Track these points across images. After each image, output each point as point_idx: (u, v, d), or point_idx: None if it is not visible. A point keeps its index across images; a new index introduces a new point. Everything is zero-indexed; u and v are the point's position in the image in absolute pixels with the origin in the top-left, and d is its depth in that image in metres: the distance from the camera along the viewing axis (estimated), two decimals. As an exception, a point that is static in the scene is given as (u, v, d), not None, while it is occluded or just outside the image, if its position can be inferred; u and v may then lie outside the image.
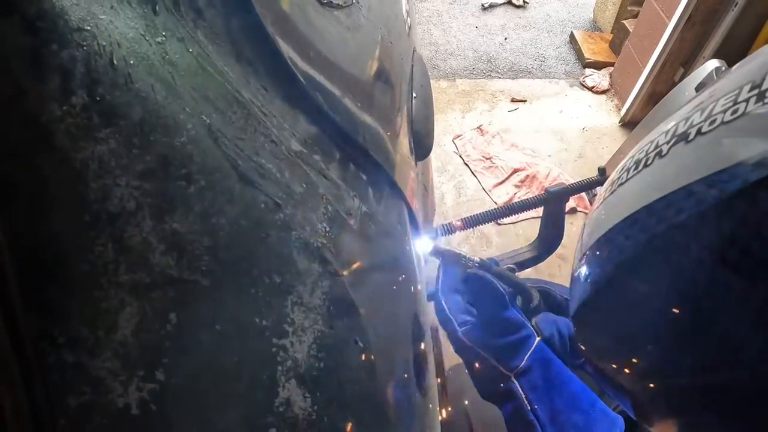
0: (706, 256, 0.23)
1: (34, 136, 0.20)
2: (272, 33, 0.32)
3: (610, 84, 2.36)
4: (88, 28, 0.23)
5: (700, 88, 1.09)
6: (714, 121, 0.25)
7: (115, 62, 0.23)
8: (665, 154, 0.27)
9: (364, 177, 0.38)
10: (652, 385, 0.31)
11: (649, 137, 0.30)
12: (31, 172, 0.20)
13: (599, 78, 2.37)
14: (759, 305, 0.21)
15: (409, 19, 0.79)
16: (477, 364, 0.54)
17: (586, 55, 2.45)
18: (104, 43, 0.23)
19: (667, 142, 0.27)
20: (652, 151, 0.28)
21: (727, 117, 0.24)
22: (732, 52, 1.75)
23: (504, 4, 2.83)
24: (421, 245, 0.55)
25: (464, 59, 2.43)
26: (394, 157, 0.47)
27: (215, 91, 0.27)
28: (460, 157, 1.93)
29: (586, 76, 2.38)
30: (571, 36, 2.60)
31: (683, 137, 0.26)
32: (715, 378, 0.25)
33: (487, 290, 0.55)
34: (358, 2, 0.46)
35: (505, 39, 2.58)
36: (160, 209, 0.23)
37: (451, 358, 0.69)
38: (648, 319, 0.27)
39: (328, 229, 0.31)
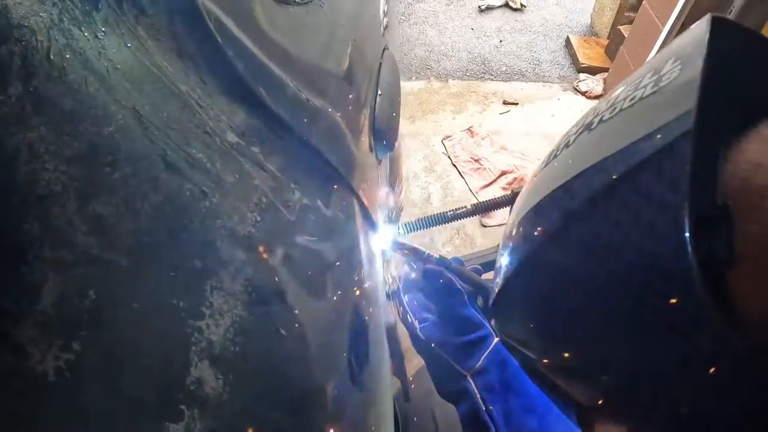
0: (591, 244, 0.24)
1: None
2: (214, 29, 0.33)
3: (605, 89, 2.38)
4: (27, 24, 0.25)
5: None
6: (614, 108, 0.26)
7: (51, 56, 0.25)
8: (571, 144, 0.28)
9: (308, 170, 0.40)
10: (566, 379, 0.32)
11: (567, 130, 0.31)
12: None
13: (593, 83, 2.39)
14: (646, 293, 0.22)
15: (385, 20, 0.80)
16: (435, 363, 0.55)
17: (581, 59, 2.47)
18: (42, 39, 0.25)
19: (575, 133, 0.29)
20: (563, 143, 0.29)
21: (626, 104, 0.25)
22: None
23: (501, 6, 2.85)
24: (378, 240, 0.57)
25: (458, 60, 2.45)
26: (347, 152, 0.48)
27: (150, 84, 0.29)
28: (449, 158, 1.95)
29: (579, 81, 2.40)
30: (567, 40, 2.62)
31: (588, 126, 0.27)
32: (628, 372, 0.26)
33: (444, 287, 0.55)
34: (315, 0, 0.48)
35: (501, 42, 2.59)
36: (85, 193, 0.25)
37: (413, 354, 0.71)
38: (546, 310, 0.29)
39: (259, 219, 0.32)
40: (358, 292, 0.44)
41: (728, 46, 0.24)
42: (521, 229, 0.30)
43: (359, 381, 0.42)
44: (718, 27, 0.23)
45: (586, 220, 0.25)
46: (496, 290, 0.33)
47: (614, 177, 0.23)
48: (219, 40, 0.33)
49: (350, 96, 0.53)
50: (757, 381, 0.20)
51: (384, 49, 0.69)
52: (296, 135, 0.39)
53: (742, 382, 0.20)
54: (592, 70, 2.45)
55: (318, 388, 0.34)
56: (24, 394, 0.23)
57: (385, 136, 0.60)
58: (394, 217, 0.71)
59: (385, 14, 0.74)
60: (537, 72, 2.44)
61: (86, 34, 0.28)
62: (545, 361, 0.33)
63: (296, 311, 0.34)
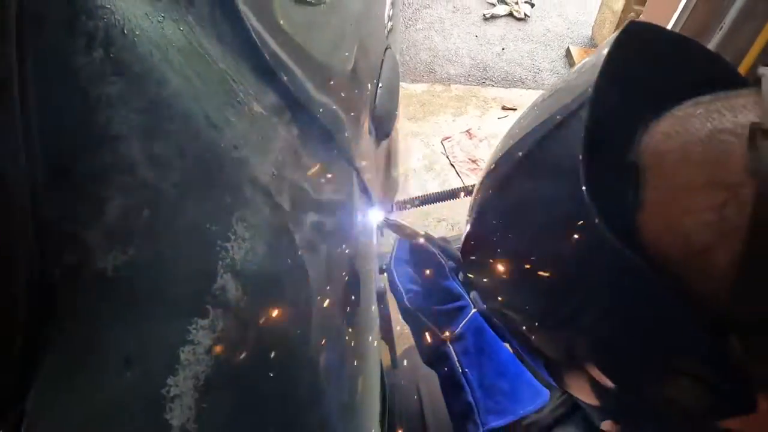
0: (524, 194, 0.32)
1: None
2: (246, 20, 0.41)
3: (600, 100, 2.46)
4: (108, 6, 0.33)
5: None
6: (550, 92, 0.34)
7: (125, 31, 0.33)
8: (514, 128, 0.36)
9: (317, 142, 0.48)
10: (531, 332, 0.39)
11: None
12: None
13: (590, 93, 2.47)
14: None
15: (390, 23, 0.89)
16: (419, 329, 0.60)
17: (579, 70, 2.55)
18: (119, 18, 0.33)
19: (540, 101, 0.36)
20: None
21: (558, 86, 0.33)
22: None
23: (505, 15, 2.94)
24: (374, 215, 0.64)
25: (461, 66, 2.53)
26: (350, 132, 0.56)
27: (197, 60, 0.37)
28: (447, 158, 2.03)
29: (577, 91, 2.48)
30: (567, 51, 2.71)
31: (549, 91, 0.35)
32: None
33: (429, 260, 0.61)
34: (328, 3, 0.56)
35: (503, 49, 2.68)
36: (147, 136, 0.33)
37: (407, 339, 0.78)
38: (495, 253, 0.36)
39: (275, 172, 0.40)
40: (355, 252, 0.52)
41: (641, 44, 0.31)
42: (479, 191, 0.37)
43: (351, 322, 0.49)
44: (634, 28, 0.31)
45: (520, 176, 0.32)
46: (462, 238, 0.40)
47: (540, 138, 0.30)
48: (250, 31, 0.41)
49: (353, 85, 0.61)
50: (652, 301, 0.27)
51: (386, 49, 0.77)
52: (307, 111, 0.47)
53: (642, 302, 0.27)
54: (590, 81, 2.53)
55: (316, 306, 0.42)
56: (86, 286, 0.31)
57: (383, 122, 0.68)
58: (389, 197, 0.79)
59: (390, 18, 0.81)
60: (537, 80, 2.52)
61: (150, 17, 0.36)
62: (500, 305, 0.41)
63: (300, 251, 0.41)
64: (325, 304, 0.44)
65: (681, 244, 0.26)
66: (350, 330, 0.49)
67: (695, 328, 0.25)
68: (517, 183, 0.33)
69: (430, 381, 0.75)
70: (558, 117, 0.29)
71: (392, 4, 0.97)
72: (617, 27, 2.61)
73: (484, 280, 0.42)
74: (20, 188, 0.28)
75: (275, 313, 0.38)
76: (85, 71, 0.31)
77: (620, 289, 0.27)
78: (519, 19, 2.92)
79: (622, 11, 2.57)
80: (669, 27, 1.90)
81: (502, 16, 2.92)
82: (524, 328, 0.39)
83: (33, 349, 0.29)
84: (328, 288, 0.45)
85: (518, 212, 0.33)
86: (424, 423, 0.75)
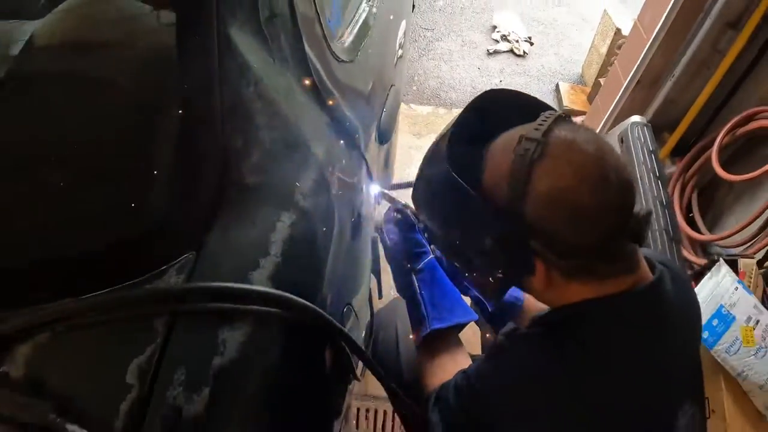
0: (431, 171, 0.71)
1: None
2: (315, 74, 0.82)
3: (581, 129, 2.85)
4: (254, 66, 0.72)
5: (622, 138, 1.54)
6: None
7: (259, 79, 0.74)
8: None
9: (346, 140, 0.88)
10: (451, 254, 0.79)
11: None
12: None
13: (573, 123, 2.87)
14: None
15: (400, 51, 1.30)
16: (395, 265, 0.92)
17: (565, 103, 2.96)
18: (255, 72, 0.73)
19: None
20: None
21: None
22: (670, 116, 2.18)
23: (507, 51, 3.36)
24: (373, 188, 1.04)
25: (463, 93, 2.96)
26: (364, 138, 0.97)
27: (294, 94, 0.77)
28: (444, 168, 2.43)
29: (562, 121, 2.87)
30: (557, 86, 3.12)
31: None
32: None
33: (405, 220, 0.92)
34: (358, 60, 0.97)
35: (500, 81, 3.10)
36: (270, 126, 0.73)
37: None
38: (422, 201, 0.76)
39: (326, 154, 0.80)
40: (360, 205, 0.92)
41: (493, 101, 0.71)
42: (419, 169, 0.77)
43: (357, 241, 0.88)
44: (491, 92, 0.71)
45: (425, 166, 0.72)
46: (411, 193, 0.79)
47: (439, 143, 0.70)
48: (316, 80, 0.82)
49: (369, 109, 1.02)
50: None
51: (392, 86, 1.18)
52: (342, 124, 0.87)
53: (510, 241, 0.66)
54: (574, 113, 2.93)
55: (338, 227, 0.81)
56: (241, 189, 0.71)
57: (385, 133, 1.09)
58: (386, 181, 1.19)
59: (401, 46, 1.15)
60: (528, 109, 2.93)
61: (271, 70, 0.76)
62: (432, 236, 0.80)
63: (333, 198, 0.80)
64: (345, 227, 0.84)
65: (491, 184, 0.64)
66: (357, 245, 0.89)
67: (501, 222, 0.62)
68: (424, 169, 0.73)
69: (405, 322, 1.00)
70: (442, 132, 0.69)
71: (404, 34, 1.38)
72: (602, 67, 3.01)
73: (423, 223, 0.82)
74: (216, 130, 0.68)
75: (320, 220, 0.77)
76: (245, 95, 0.69)
77: (461, 203, 0.64)
78: (518, 56, 3.34)
79: (606, 54, 2.98)
80: (631, 73, 2.28)
81: (503, 51, 3.35)
82: (442, 245, 0.78)
83: (212, 216, 0.66)
84: (346, 220, 0.84)
85: (424, 181, 0.73)
86: (397, 343, 1.06)
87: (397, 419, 1.47)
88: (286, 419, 0.59)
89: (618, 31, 2.67)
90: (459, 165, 0.64)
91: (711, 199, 1.88)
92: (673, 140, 1.99)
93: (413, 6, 2.03)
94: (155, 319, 0.51)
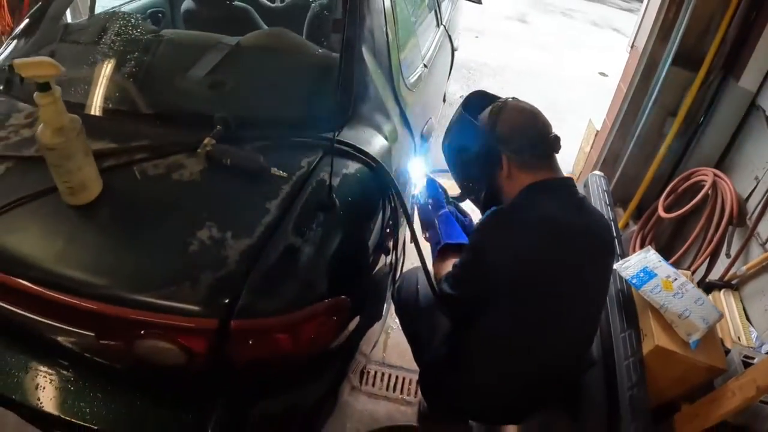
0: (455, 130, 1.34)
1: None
2: (395, 85, 1.50)
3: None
4: (371, 74, 1.42)
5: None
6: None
7: (371, 74, 1.43)
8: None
9: (408, 133, 1.53)
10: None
11: None
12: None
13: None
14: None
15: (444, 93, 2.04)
16: (424, 212, 1.36)
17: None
18: (370, 70, 1.42)
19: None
20: None
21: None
22: (628, 189, 2.64)
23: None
24: (416, 164, 1.65)
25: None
26: (417, 136, 1.62)
27: (386, 89, 1.44)
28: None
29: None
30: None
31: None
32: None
33: (431, 185, 1.40)
34: (417, 91, 1.67)
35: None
36: (373, 104, 1.39)
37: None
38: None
39: (395, 123, 1.44)
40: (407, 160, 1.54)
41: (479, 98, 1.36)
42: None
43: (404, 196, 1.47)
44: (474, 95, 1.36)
45: (454, 125, 1.34)
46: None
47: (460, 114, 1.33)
48: (393, 79, 1.50)
49: (421, 119, 1.70)
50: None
51: (430, 118, 1.89)
52: (409, 125, 1.54)
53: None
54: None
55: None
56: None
57: (424, 137, 1.75)
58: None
59: (443, 99, 1.94)
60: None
61: (365, 50, 1.46)
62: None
63: (393, 153, 1.43)
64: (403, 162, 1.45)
65: (482, 121, 1.21)
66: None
67: (485, 138, 1.19)
68: (450, 123, 1.35)
69: (420, 278, 1.40)
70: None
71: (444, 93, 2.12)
72: (586, 162, 3.75)
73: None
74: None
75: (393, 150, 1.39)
76: (365, 78, 1.37)
77: (466, 129, 1.19)
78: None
79: (590, 152, 3.73)
80: (606, 148, 2.90)
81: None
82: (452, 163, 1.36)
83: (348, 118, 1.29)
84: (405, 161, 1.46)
85: (449, 128, 1.35)
86: (417, 289, 1.43)
87: (407, 383, 1.88)
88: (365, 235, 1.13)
89: (598, 132, 3.46)
90: (467, 112, 1.27)
91: (662, 241, 2.40)
92: (632, 205, 2.56)
93: (453, 50, 2.85)
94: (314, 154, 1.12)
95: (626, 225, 2.65)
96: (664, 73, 2.24)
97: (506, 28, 6.32)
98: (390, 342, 2.01)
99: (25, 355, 0.96)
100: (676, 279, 1.52)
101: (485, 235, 1.12)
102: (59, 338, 0.95)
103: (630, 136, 2.52)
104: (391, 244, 1.31)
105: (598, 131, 3.45)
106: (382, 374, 1.89)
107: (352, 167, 1.17)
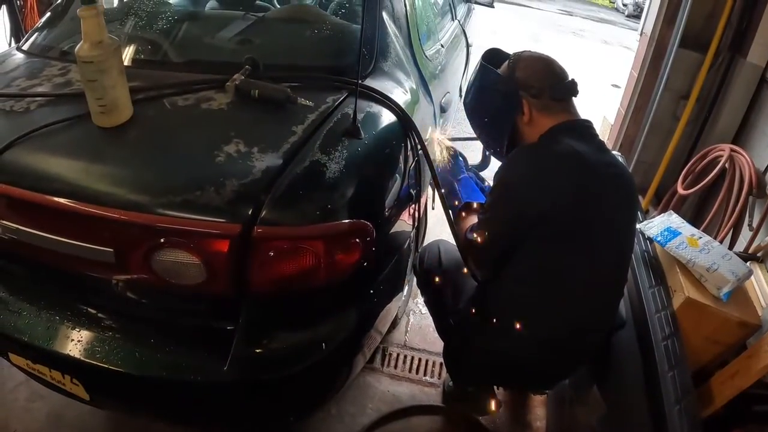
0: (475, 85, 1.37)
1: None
2: (415, 50, 1.56)
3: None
4: (389, 29, 1.48)
5: None
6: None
7: (392, 36, 1.48)
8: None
9: (430, 103, 1.58)
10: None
11: None
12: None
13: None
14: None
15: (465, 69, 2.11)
16: (444, 178, 1.41)
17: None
18: (390, 33, 1.48)
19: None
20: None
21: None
22: (644, 178, 2.63)
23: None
24: (435, 133, 1.68)
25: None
26: (436, 106, 1.66)
27: (407, 53, 1.50)
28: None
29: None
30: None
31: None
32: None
33: (456, 156, 1.57)
34: (434, 63, 1.73)
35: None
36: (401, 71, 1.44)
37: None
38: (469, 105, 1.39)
39: (414, 83, 1.49)
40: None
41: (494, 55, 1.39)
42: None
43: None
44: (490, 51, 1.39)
45: (474, 78, 1.37)
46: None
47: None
48: (413, 44, 1.56)
49: (440, 92, 1.75)
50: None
51: (447, 92, 1.93)
52: (431, 96, 1.59)
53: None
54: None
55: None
56: None
57: (443, 107, 1.78)
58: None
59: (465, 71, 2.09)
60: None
61: (386, 15, 1.52)
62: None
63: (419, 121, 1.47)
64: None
65: (502, 70, 1.25)
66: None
67: (506, 84, 1.21)
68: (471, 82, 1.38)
69: (445, 243, 1.46)
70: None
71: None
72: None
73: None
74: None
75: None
76: (386, 39, 1.43)
77: (487, 78, 1.21)
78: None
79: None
80: (622, 135, 2.91)
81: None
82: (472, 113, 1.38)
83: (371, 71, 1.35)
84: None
85: (471, 80, 1.38)
86: (440, 259, 1.47)
87: (430, 365, 1.86)
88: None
89: (612, 126, 3.48)
90: (487, 63, 1.29)
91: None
92: (651, 192, 2.55)
93: (468, 46, 2.86)
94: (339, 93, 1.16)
95: (646, 212, 2.63)
96: (672, 56, 2.27)
97: (520, 46, 6.46)
98: (411, 326, 2.00)
99: (37, 300, 0.99)
100: (701, 237, 1.49)
101: (513, 170, 1.12)
102: (77, 268, 0.97)
103: (644, 122, 2.53)
104: (413, 205, 1.33)
105: (611, 125, 3.48)
106: (405, 356, 1.86)
107: (376, 108, 1.20)
